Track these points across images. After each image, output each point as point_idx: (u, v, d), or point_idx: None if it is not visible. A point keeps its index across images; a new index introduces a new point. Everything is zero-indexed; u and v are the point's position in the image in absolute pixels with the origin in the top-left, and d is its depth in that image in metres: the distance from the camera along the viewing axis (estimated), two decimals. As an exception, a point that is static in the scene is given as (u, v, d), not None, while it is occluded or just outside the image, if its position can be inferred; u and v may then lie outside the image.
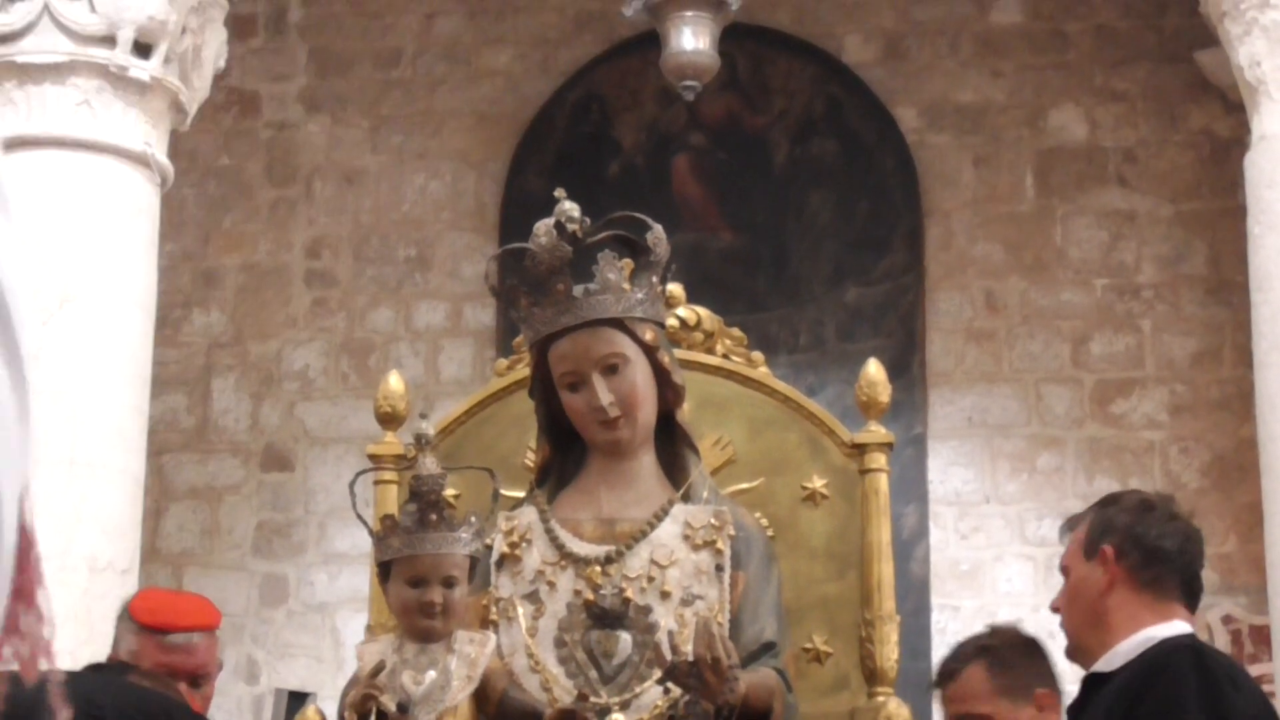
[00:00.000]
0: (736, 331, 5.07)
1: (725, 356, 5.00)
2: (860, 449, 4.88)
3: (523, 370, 4.82)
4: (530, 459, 4.78)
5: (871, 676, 4.71)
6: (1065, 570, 4.02)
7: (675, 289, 4.99)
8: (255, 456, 9.75)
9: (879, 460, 4.85)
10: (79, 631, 5.72)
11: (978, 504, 9.37)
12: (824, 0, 9.95)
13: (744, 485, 4.78)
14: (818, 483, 4.88)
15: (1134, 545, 3.83)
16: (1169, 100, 9.65)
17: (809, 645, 4.74)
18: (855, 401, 5.00)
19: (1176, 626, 3.82)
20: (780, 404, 4.96)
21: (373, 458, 4.96)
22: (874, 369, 4.93)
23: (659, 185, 9.72)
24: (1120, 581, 3.83)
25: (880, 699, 4.68)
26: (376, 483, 4.88)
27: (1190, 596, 3.91)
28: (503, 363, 5.13)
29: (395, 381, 5.03)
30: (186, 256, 9.81)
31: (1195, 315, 9.48)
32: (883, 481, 4.85)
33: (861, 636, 4.73)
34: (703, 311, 5.03)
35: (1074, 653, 4.01)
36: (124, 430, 6.07)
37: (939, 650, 9.12)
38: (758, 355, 5.05)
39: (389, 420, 5.01)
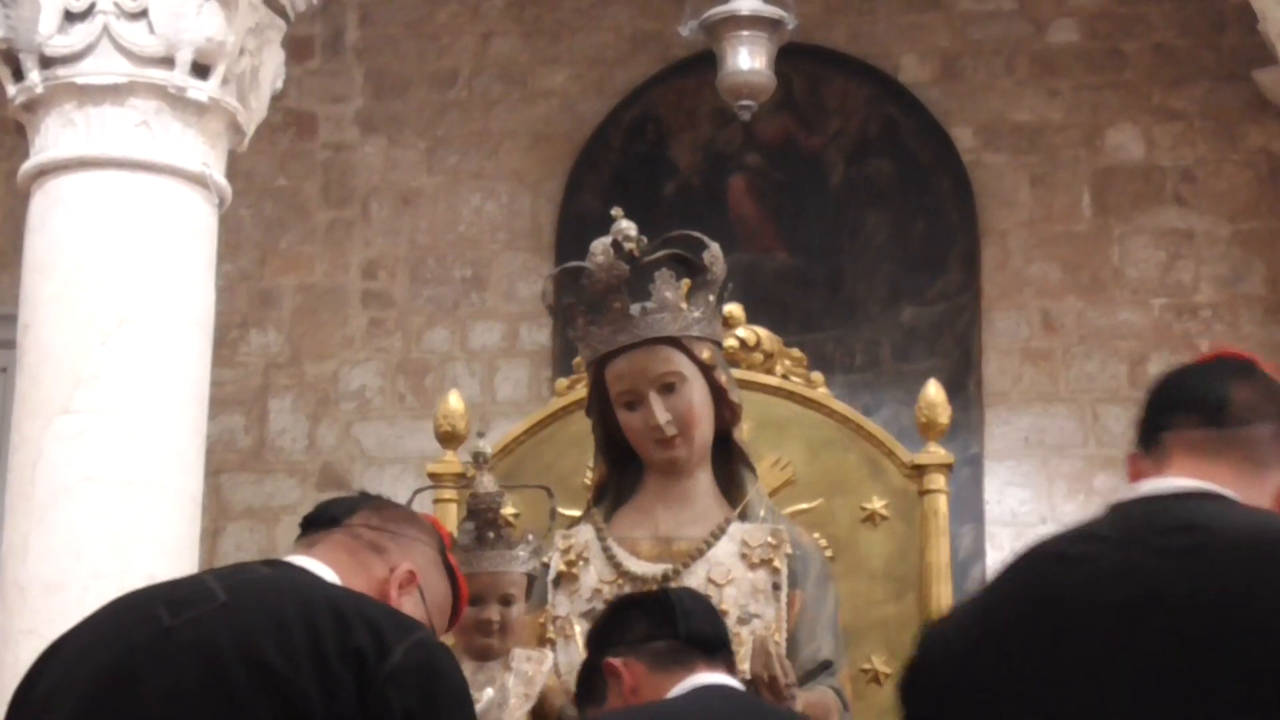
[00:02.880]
0: (796, 352, 5.07)
1: (785, 377, 5.00)
2: (920, 470, 4.87)
3: (583, 390, 4.83)
4: (589, 478, 4.78)
5: (930, 697, 4.70)
6: None
7: (735, 309, 4.99)
8: (312, 477, 9.78)
9: (938, 481, 4.85)
10: (137, 650, 5.73)
11: (1034, 525, 9.32)
12: (880, 20, 9.93)
13: (803, 506, 4.78)
14: (877, 504, 4.87)
15: None
16: (1227, 119, 9.59)
17: (868, 666, 4.74)
18: (914, 422, 5.00)
19: None
20: (839, 425, 4.96)
21: (433, 476, 4.97)
22: (934, 390, 4.92)
23: (715, 205, 9.70)
24: None
25: (939, 720, 4.66)
26: (436, 501, 4.89)
27: None
28: (563, 382, 5.14)
29: (455, 401, 5.05)
30: (243, 277, 9.84)
31: (1254, 335, 9.42)
32: (942, 503, 4.84)
33: (920, 657, 4.71)
34: (762, 332, 5.03)
35: None
36: (182, 450, 6.07)
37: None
38: (817, 376, 5.04)
39: (449, 439, 5.02)
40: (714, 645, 3.45)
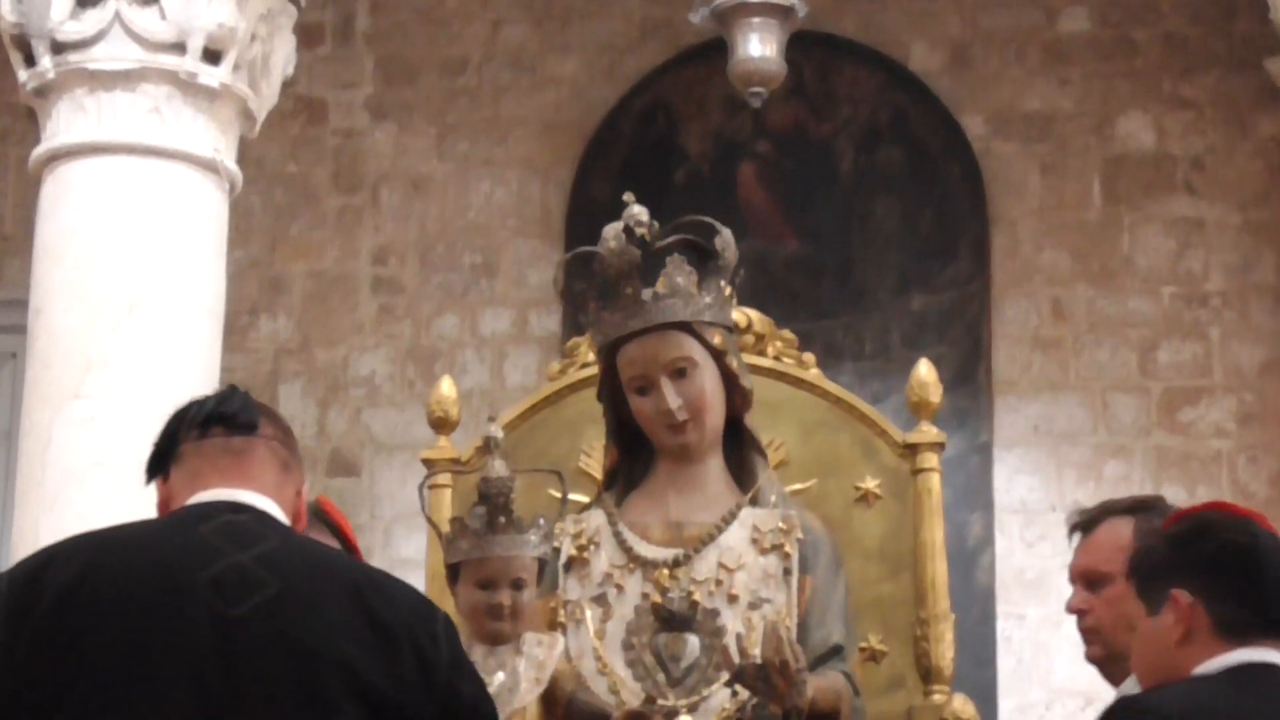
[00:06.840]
0: (788, 333, 5.07)
1: (776, 359, 5.00)
2: (912, 449, 4.88)
3: (575, 374, 4.86)
4: (584, 462, 4.80)
5: (927, 675, 4.72)
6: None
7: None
8: (321, 462, 9.79)
9: (931, 460, 4.86)
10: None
11: (1044, 512, 9.33)
12: (890, 8, 9.93)
13: (797, 486, 4.78)
14: (870, 483, 4.88)
15: None
16: (1238, 108, 9.59)
17: (864, 645, 4.75)
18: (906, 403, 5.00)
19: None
20: (832, 405, 4.97)
21: (426, 462, 4.98)
22: (924, 370, 4.93)
23: (725, 193, 9.71)
24: None
25: (937, 697, 4.68)
26: (432, 487, 4.89)
27: None
28: (554, 367, 5.15)
29: (447, 387, 5.06)
30: (253, 263, 9.85)
31: (1264, 324, 9.42)
32: (935, 481, 4.85)
33: (916, 635, 4.73)
34: (753, 314, 5.03)
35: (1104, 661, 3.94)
36: (192, 435, 6.08)
37: (1004, 659, 9.09)
38: (809, 357, 5.05)
39: (442, 425, 5.05)
40: None
